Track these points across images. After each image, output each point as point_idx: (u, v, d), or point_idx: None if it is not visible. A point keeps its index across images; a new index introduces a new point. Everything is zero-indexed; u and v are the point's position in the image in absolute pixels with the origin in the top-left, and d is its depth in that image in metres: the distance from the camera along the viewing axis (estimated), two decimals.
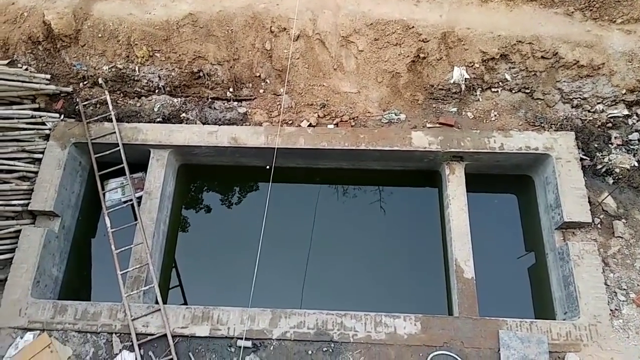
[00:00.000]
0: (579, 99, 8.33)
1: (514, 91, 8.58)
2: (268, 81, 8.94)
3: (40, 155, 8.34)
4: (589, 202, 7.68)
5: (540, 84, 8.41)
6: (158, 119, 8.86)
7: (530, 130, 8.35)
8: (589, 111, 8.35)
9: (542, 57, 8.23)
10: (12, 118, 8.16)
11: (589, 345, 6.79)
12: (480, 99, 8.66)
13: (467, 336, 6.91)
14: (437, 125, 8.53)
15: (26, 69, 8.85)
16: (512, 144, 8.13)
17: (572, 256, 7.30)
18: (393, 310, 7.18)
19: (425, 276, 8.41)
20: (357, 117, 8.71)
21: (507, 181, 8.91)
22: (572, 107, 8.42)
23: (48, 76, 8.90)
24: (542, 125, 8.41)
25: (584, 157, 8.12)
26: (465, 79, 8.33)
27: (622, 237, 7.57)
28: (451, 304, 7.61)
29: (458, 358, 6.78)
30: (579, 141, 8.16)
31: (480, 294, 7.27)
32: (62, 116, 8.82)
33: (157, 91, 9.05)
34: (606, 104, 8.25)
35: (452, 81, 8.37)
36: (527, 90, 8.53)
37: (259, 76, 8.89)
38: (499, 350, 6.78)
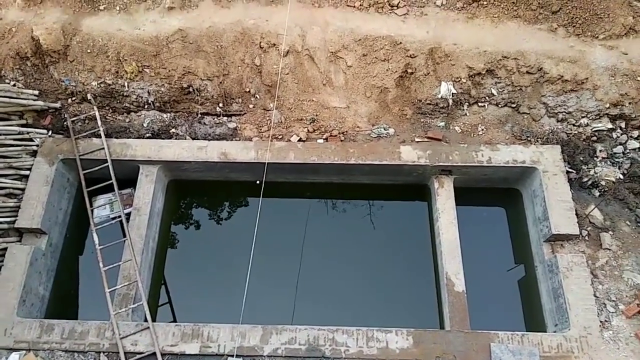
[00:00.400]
0: (564, 113, 8.48)
1: (500, 105, 8.71)
2: (258, 96, 8.98)
3: (27, 172, 8.26)
4: (576, 214, 7.79)
5: (525, 98, 8.56)
6: (147, 135, 8.83)
7: (517, 144, 8.47)
8: (574, 125, 8.50)
9: (527, 72, 8.39)
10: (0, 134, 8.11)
11: (580, 357, 6.82)
12: (468, 114, 8.78)
13: (459, 350, 6.90)
14: (426, 139, 8.62)
15: (14, 85, 8.80)
16: (500, 158, 8.23)
17: (561, 268, 7.37)
18: (385, 324, 7.16)
19: (416, 290, 8.41)
20: (346, 131, 8.77)
21: (495, 194, 9.00)
22: (558, 121, 8.57)
23: (36, 92, 8.85)
24: (529, 139, 8.53)
25: (570, 170, 8.24)
26: (453, 93, 8.45)
27: (609, 249, 7.66)
28: (442, 318, 7.62)
29: None
30: (565, 154, 8.29)
31: (471, 307, 7.29)
32: (50, 132, 8.76)
33: (146, 107, 9.04)
34: (590, 118, 8.41)
35: (439, 96, 8.49)
36: (513, 105, 8.66)
37: (249, 91, 8.93)
38: None
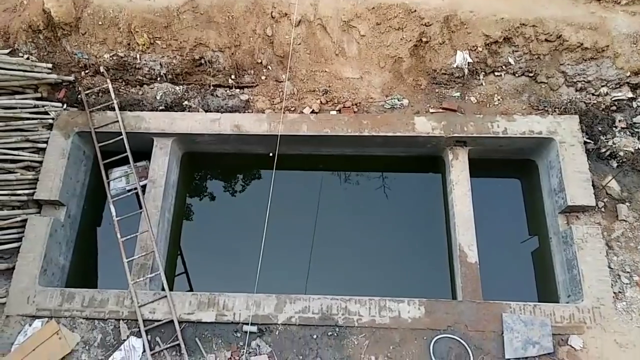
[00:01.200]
0: (583, 82, 8.28)
1: (517, 75, 8.52)
2: (270, 68, 8.90)
3: (44, 145, 8.36)
4: (593, 185, 7.68)
5: (543, 67, 8.35)
6: (160, 107, 8.85)
7: (533, 114, 8.31)
8: (592, 94, 8.30)
9: (546, 40, 8.16)
10: (15, 108, 8.16)
11: (592, 327, 6.84)
12: (484, 83, 8.61)
13: (471, 320, 6.97)
14: (440, 110, 8.50)
15: (27, 58, 8.81)
16: (516, 129, 8.10)
17: (575, 240, 7.32)
18: (397, 294, 7.23)
19: (429, 261, 8.45)
20: (359, 103, 8.68)
21: (510, 166, 8.91)
22: (576, 90, 8.37)
23: (50, 65, 8.87)
24: (546, 109, 8.36)
25: (588, 140, 8.09)
26: (468, 63, 8.28)
27: (625, 221, 7.58)
28: (455, 288, 7.66)
29: (462, 341, 6.85)
30: (583, 125, 8.12)
31: (484, 278, 7.31)
32: (65, 105, 8.82)
33: (159, 79, 9.02)
34: (610, 87, 8.20)
35: (455, 65, 8.32)
36: (531, 74, 8.47)
37: (261, 63, 8.85)
38: (502, 333, 6.85)
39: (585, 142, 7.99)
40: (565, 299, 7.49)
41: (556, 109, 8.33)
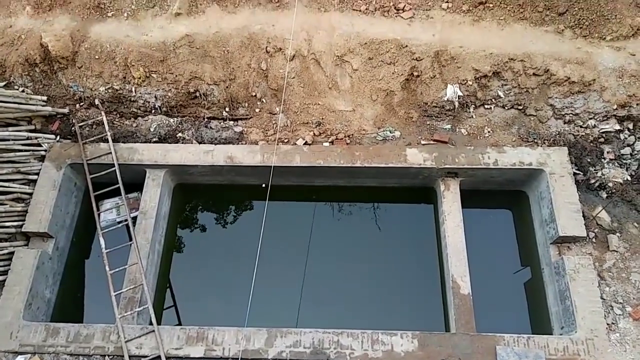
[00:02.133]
0: (571, 115, 8.42)
1: (506, 108, 8.67)
2: (264, 100, 9.01)
3: (35, 177, 8.35)
4: (584, 216, 7.70)
5: (532, 100, 8.50)
6: (154, 139, 8.90)
7: (523, 145, 8.41)
8: (581, 126, 8.42)
9: (534, 74, 8.34)
10: (8, 140, 8.19)
11: (586, 359, 6.72)
12: (474, 116, 8.74)
13: (465, 352, 6.84)
14: (432, 142, 8.59)
15: (23, 91, 8.92)
16: (506, 160, 8.18)
17: (567, 270, 7.29)
18: (390, 327, 7.11)
19: (422, 292, 8.35)
20: (352, 134, 8.77)
21: (502, 197, 8.94)
22: (565, 122, 8.50)
23: (44, 98, 8.96)
24: (535, 140, 8.47)
25: (577, 171, 8.16)
26: (459, 96, 8.42)
27: (616, 251, 7.57)
28: (448, 320, 7.56)
29: None
30: (572, 156, 8.22)
31: (477, 310, 7.22)
32: (58, 137, 8.86)
33: (153, 111, 9.11)
34: (598, 119, 8.33)
35: (445, 99, 8.46)
36: (520, 107, 8.61)
37: (255, 96, 8.97)
38: None
39: (574, 173, 8.06)
40: (559, 331, 7.38)
41: (545, 141, 8.44)
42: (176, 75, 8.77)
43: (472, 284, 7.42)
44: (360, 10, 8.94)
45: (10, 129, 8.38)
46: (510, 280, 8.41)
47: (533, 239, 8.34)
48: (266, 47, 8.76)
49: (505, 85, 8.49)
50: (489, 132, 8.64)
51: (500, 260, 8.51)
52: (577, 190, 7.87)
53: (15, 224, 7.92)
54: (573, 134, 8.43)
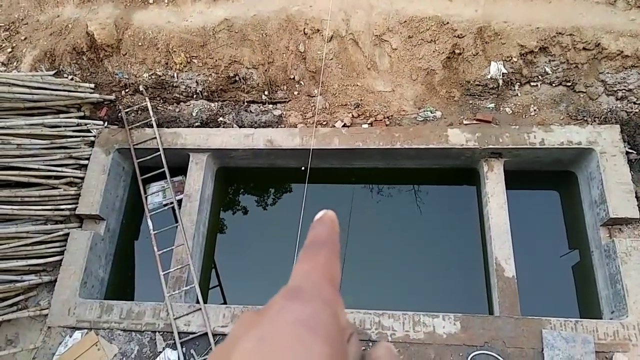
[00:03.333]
0: (624, 91, 7.99)
1: (554, 85, 8.32)
2: (302, 83, 9.00)
3: (86, 162, 8.69)
4: (636, 197, 7.36)
5: (582, 76, 8.12)
6: (196, 124, 9.07)
7: (572, 124, 8.07)
8: (634, 103, 7.99)
9: (584, 49, 7.94)
10: (60, 126, 8.54)
11: (638, 345, 6.49)
12: (519, 94, 8.44)
13: (509, 336, 6.74)
14: (474, 121, 8.37)
15: (71, 79, 9.24)
16: (553, 139, 7.88)
17: (619, 253, 7.00)
18: (431, 309, 7.09)
19: (464, 275, 8.26)
20: (391, 115, 8.65)
21: (548, 177, 8.63)
22: (617, 99, 8.09)
23: (92, 85, 9.27)
24: (585, 118, 8.11)
25: (630, 150, 7.77)
26: (503, 73, 8.14)
27: None
28: (491, 303, 7.44)
29: (500, 358, 6.63)
30: (625, 134, 7.81)
31: (522, 293, 7.06)
32: (106, 123, 9.17)
33: (195, 96, 9.27)
34: None
35: (489, 76, 8.20)
36: (569, 83, 8.25)
37: (293, 78, 8.97)
38: (542, 350, 6.58)
39: (627, 152, 7.69)
40: (609, 315, 7.14)
41: (596, 119, 8.07)
42: (216, 60, 8.87)
43: (516, 267, 7.25)
44: None
45: (61, 115, 8.72)
46: (557, 263, 8.17)
47: (582, 220, 8.04)
48: (304, 28, 8.70)
49: (553, 61, 8.13)
50: (535, 110, 8.34)
51: (546, 243, 8.27)
52: (629, 170, 7.51)
53: (69, 206, 8.30)
54: (626, 111, 8.02)
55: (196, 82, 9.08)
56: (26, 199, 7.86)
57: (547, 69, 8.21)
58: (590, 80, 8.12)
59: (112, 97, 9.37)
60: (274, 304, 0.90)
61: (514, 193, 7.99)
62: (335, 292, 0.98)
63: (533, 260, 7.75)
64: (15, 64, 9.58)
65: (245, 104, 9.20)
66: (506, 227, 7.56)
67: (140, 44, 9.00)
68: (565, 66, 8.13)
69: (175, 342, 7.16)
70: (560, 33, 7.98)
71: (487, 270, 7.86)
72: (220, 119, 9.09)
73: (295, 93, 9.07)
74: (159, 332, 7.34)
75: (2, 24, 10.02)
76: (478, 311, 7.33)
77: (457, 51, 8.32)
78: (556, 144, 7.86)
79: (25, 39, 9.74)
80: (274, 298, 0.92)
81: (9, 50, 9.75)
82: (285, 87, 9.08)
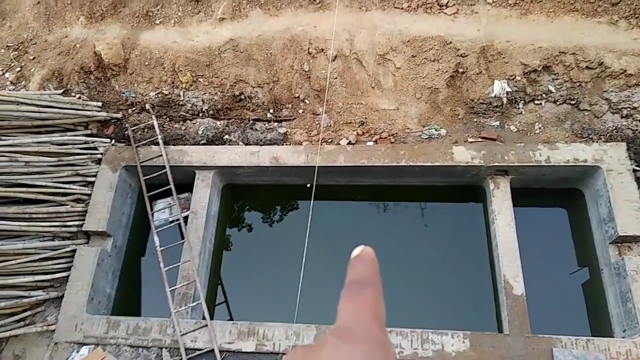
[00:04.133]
0: (629, 109, 8.05)
1: (558, 103, 8.38)
2: (307, 101, 9.09)
3: (93, 179, 8.73)
4: None
5: (586, 94, 8.19)
6: (202, 141, 9.14)
7: (577, 142, 8.11)
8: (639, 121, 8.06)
9: (587, 67, 8.02)
10: (67, 144, 8.62)
11: None
12: (523, 112, 8.50)
13: (519, 354, 6.66)
14: (479, 139, 8.42)
15: (79, 98, 9.34)
16: (559, 157, 7.91)
17: (629, 271, 6.96)
18: (440, 327, 7.02)
19: (472, 293, 8.19)
20: (396, 133, 8.71)
21: (555, 195, 8.63)
22: (622, 117, 8.14)
23: (99, 104, 9.36)
24: (590, 136, 8.15)
25: (637, 168, 7.79)
26: (507, 92, 8.21)
27: None
28: (500, 321, 7.37)
29: None
30: (631, 152, 7.83)
31: (532, 311, 7.01)
32: (113, 141, 9.24)
33: (200, 115, 9.35)
34: None
35: (493, 95, 8.27)
36: (573, 102, 8.31)
37: (298, 97, 9.06)
38: None
39: (634, 170, 7.70)
40: (621, 334, 7.06)
41: (601, 137, 8.10)
42: (222, 79, 8.98)
43: (525, 285, 7.21)
44: (402, 8, 8.87)
45: (69, 133, 8.79)
46: (566, 281, 8.11)
47: (590, 238, 8.01)
48: (308, 48, 8.83)
49: (556, 79, 8.21)
50: (539, 128, 8.39)
51: (555, 261, 8.21)
52: (637, 188, 7.51)
53: (76, 223, 8.31)
54: (631, 129, 8.06)
55: (202, 100, 9.17)
56: (34, 216, 7.88)
57: (551, 88, 8.29)
58: (595, 98, 8.18)
59: (119, 115, 9.45)
60: (326, 343, 0.91)
61: (521, 210, 7.98)
62: (384, 333, 0.99)
63: (542, 278, 7.70)
64: (23, 83, 9.71)
65: (251, 122, 9.27)
66: (514, 245, 7.53)
67: (147, 63, 9.12)
68: (569, 85, 8.20)
69: (181, 359, 7.09)
70: (563, 52, 8.08)
71: (495, 287, 7.80)
72: (226, 136, 9.16)
73: (300, 111, 9.15)
74: (165, 348, 7.28)
75: (12, 44, 10.18)
76: (487, 329, 7.26)
77: (460, 70, 8.42)
78: (562, 161, 7.88)
79: (33, 58, 9.88)
80: (325, 337, 0.91)
81: (18, 69, 9.88)
82: (290, 106, 9.16)
